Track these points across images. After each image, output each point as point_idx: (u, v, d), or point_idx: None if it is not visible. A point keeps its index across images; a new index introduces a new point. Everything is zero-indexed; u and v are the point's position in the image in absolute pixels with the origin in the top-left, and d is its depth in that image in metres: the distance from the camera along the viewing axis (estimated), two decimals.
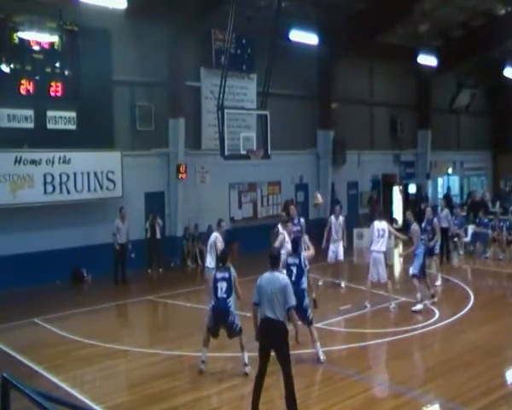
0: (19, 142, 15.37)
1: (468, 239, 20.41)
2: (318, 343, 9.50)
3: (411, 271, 13.26)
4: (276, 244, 12.04)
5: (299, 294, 9.10)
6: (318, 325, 11.89)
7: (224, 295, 8.92)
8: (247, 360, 8.87)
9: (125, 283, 16.45)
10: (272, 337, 7.41)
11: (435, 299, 13.26)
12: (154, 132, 18.61)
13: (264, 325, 7.47)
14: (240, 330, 9.01)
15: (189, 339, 10.76)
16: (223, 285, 8.98)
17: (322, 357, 9.45)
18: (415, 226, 13.51)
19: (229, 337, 9.17)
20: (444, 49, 25.76)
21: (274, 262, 7.80)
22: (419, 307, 12.59)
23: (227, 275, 9.03)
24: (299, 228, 13.67)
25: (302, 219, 14.49)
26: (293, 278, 9.45)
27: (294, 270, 9.88)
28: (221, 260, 9.49)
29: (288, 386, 7.30)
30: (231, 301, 8.96)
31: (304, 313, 9.47)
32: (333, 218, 15.68)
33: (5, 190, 15.11)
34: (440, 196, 30.14)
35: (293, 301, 7.46)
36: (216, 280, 9.06)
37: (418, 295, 12.77)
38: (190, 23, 18.76)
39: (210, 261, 12.29)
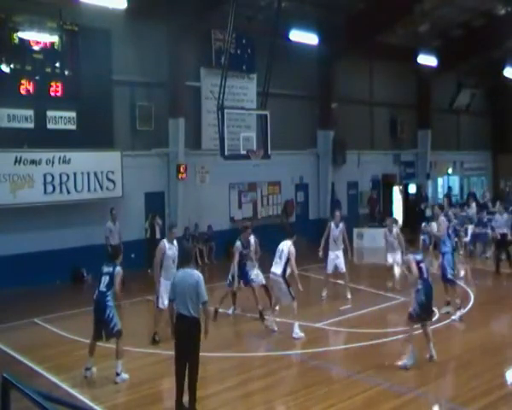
0: (19, 142, 15.36)
1: (468, 239, 20.40)
2: None
3: (448, 274, 12.22)
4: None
5: None
6: (318, 325, 11.95)
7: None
8: (119, 369, 8.98)
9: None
10: (185, 333, 7.56)
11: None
12: (154, 132, 18.61)
13: (178, 322, 7.65)
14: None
15: None
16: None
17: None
18: (442, 219, 12.84)
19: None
20: (444, 49, 25.76)
21: (186, 259, 8.07)
22: (458, 314, 11.87)
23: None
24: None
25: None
26: None
27: None
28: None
29: (190, 388, 7.52)
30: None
31: None
32: (332, 225, 14.38)
33: (5, 190, 15.10)
34: (440, 196, 30.19)
35: (205, 296, 7.58)
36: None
37: (458, 301, 12.11)
38: (190, 23, 18.74)
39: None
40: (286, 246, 11.26)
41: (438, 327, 11.60)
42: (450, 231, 12.68)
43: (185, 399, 7.67)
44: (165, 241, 11.07)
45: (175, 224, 12.43)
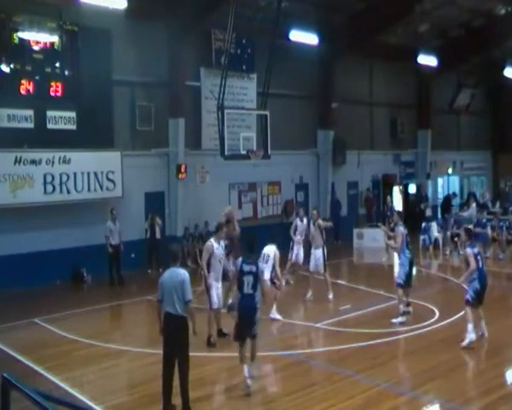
0: (19, 142, 15.35)
1: None
2: None
3: (398, 279, 12.09)
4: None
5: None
6: (318, 325, 11.95)
7: None
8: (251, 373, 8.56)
9: (121, 284, 16.28)
10: (172, 332, 7.64)
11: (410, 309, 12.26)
12: (154, 132, 18.60)
13: (166, 320, 7.72)
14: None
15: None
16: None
17: None
18: (401, 228, 12.14)
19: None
20: (444, 49, 25.76)
21: (173, 258, 8.13)
22: (400, 319, 11.75)
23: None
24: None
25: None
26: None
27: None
28: None
29: (182, 389, 7.56)
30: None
31: None
32: (298, 221, 15.14)
33: (5, 190, 15.11)
34: (440, 196, 30.20)
35: (190, 295, 7.64)
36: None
37: (401, 307, 11.95)
38: (190, 23, 18.76)
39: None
40: (271, 251, 11.70)
41: (438, 327, 11.61)
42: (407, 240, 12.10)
43: (177, 402, 7.65)
44: (212, 240, 10.87)
45: (223, 224, 11.83)
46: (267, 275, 11.41)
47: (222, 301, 11.00)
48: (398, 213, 14.59)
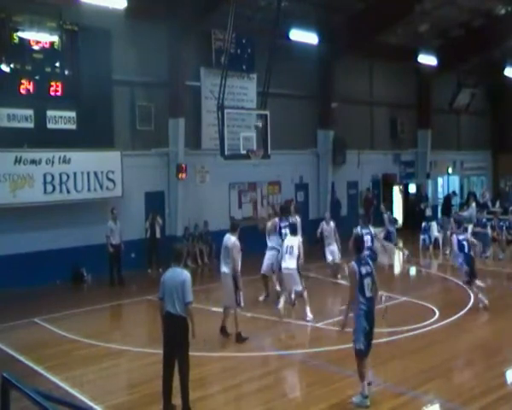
0: (19, 142, 15.35)
1: None
2: None
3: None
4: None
5: None
6: (318, 325, 11.94)
7: None
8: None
9: (121, 284, 16.23)
10: (172, 331, 7.63)
11: None
12: (154, 132, 18.61)
13: (166, 320, 7.70)
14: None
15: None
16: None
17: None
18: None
19: None
20: (444, 49, 25.75)
21: (177, 257, 8.07)
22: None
23: None
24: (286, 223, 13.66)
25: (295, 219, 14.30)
26: None
27: None
28: None
29: (182, 389, 7.54)
30: None
31: None
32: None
33: (5, 190, 15.10)
34: (440, 196, 30.20)
35: (190, 296, 7.60)
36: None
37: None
38: (190, 23, 18.76)
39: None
40: (295, 242, 12.24)
41: (438, 327, 11.61)
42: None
43: (177, 402, 7.65)
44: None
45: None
46: (293, 265, 11.99)
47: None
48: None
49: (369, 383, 8.08)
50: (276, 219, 13.86)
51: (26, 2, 15.33)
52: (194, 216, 19.48)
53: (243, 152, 16.85)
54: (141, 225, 18.22)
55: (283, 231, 13.36)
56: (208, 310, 12.47)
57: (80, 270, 16.72)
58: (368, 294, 7.94)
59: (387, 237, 18.20)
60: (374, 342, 10.62)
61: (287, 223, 13.61)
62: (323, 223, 16.19)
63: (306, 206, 23.87)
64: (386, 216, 19.48)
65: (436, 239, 21.60)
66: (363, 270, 7.95)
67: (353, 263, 8.04)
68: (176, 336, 7.64)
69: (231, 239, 10.82)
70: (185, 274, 7.77)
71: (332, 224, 15.96)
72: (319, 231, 16.14)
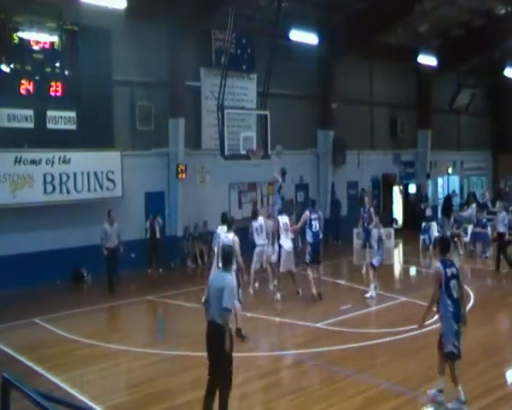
0: (19, 142, 15.35)
1: (467, 239, 20.43)
2: None
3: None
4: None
5: None
6: (318, 324, 11.95)
7: None
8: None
9: (117, 285, 15.77)
10: (210, 340, 7.20)
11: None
12: (154, 132, 18.60)
13: (208, 325, 7.28)
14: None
15: (188, 339, 10.74)
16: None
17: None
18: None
19: None
20: (444, 50, 25.76)
21: (224, 261, 7.61)
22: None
23: None
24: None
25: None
26: None
27: None
28: None
29: (221, 397, 7.04)
30: None
31: None
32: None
33: (5, 190, 15.10)
34: (440, 196, 30.20)
35: (227, 302, 7.02)
36: None
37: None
38: (190, 23, 18.75)
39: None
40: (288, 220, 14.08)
41: (438, 327, 11.59)
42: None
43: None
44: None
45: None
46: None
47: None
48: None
49: (441, 390, 7.93)
50: (307, 212, 14.14)
51: (26, 3, 15.32)
52: (194, 216, 19.48)
53: (243, 152, 16.85)
54: (141, 226, 18.22)
55: (313, 223, 13.80)
56: None
57: (80, 270, 16.72)
58: (455, 295, 7.83)
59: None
60: (374, 342, 10.69)
61: (316, 215, 14.06)
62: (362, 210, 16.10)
63: (306, 206, 23.82)
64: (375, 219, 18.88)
65: (436, 239, 21.56)
66: (449, 272, 7.77)
67: (439, 264, 7.87)
68: (213, 345, 7.12)
69: (230, 236, 10.83)
70: (227, 280, 7.24)
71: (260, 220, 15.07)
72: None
